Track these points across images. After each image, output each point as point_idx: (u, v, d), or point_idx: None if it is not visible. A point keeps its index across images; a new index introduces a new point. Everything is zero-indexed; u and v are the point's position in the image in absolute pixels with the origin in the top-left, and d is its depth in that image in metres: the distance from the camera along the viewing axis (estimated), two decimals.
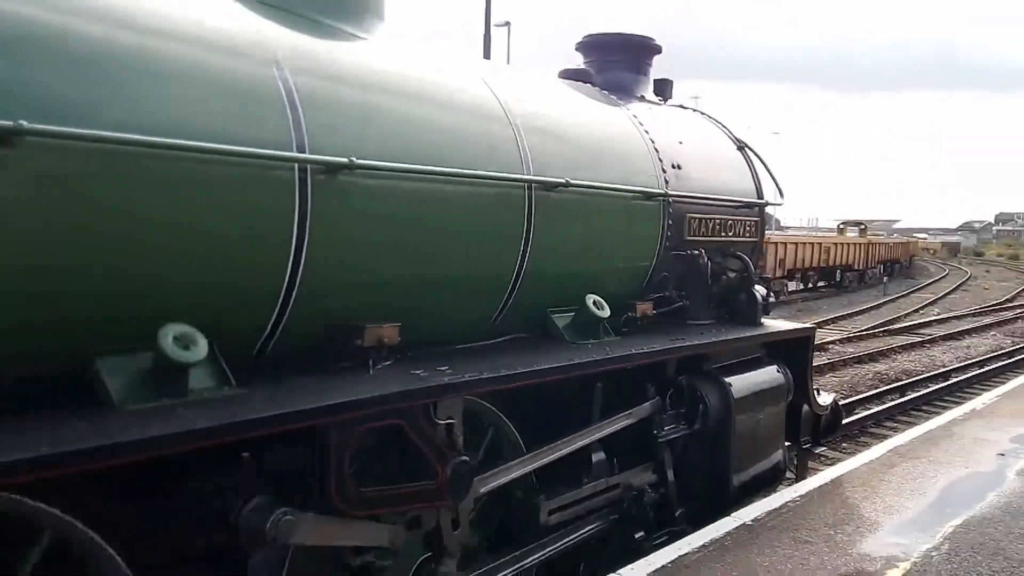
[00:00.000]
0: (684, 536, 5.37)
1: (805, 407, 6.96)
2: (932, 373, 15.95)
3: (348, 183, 3.73)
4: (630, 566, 4.80)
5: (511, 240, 4.67)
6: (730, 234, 6.45)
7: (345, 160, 3.65)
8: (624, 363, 4.92)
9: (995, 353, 18.97)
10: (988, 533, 5.59)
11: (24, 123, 2.65)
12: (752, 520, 5.60)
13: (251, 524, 3.28)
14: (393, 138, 4.02)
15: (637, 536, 5.43)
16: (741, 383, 5.87)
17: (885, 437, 9.92)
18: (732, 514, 5.66)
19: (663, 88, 7.02)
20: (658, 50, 6.82)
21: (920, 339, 20.48)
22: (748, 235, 6.70)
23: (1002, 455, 7.52)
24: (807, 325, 7.16)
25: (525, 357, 4.58)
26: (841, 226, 47.14)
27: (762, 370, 6.22)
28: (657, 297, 5.84)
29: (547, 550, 4.81)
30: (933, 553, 5.23)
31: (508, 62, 24.20)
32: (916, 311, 28.71)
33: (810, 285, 35.80)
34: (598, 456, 5.15)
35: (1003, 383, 12.91)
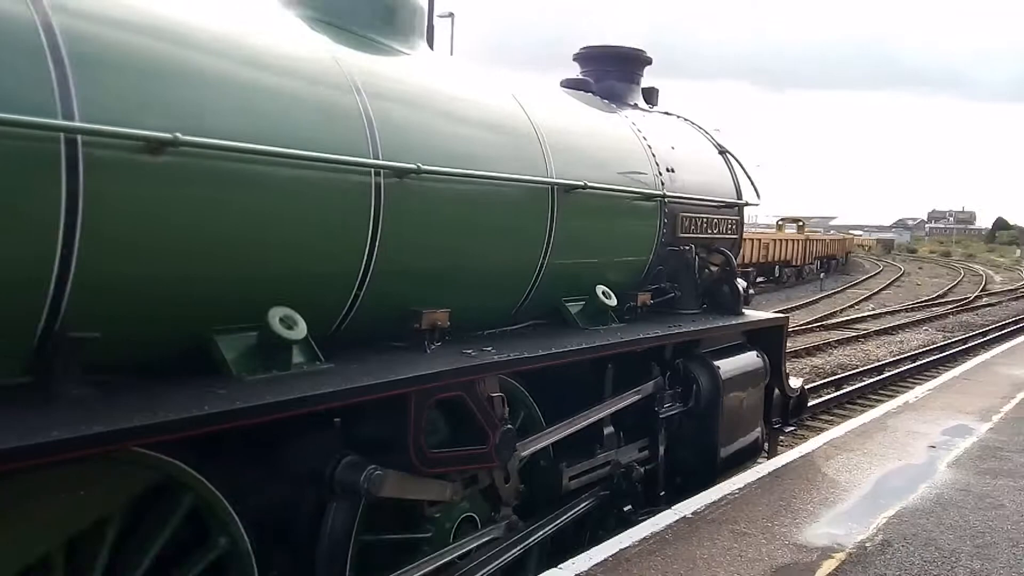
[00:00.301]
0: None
1: (776, 390, 7.63)
2: (867, 367, 16.40)
3: (413, 186, 4.24)
4: (571, 560, 4.84)
5: (537, 236, 5.22)
6: (715, 232, 7.09)
7: (413, 166, 4.17)
8: (635, 346, 5.53)
9: (927, 348, 19.54)
10: (920, 524, 5.74)
11: (179, 135, 3.13)
12: (692, 513, 5.69)
13: (345, 478, 3.79)
14: (442, 147, 4.54)
15: (626, 509, 5.99)
16: (728, 366, 6.53)
17: (821, 430, 10.07)
18: (672, 507, 5.78)
19: (650, 96, 7.62)
20: (649, 61, 7.42)
21: (855, 334, 21.19)
22: (730, 232, 7.36)
23: (933, 447, 7.75)
24: (781, 315, 7.81)
25: (547, 340, 5.14)
26: (780, 222, 48.40)
27: (744, 355, 6.88)
28: (653, 288, 6.45)
29: (565, 516, 5.40)
30: (867, 544, 5.34)
31: (452, 54, 23.97)
32: (851, 306, 29.69)
33: (749, 280, 36.69)
34: (608, 429, 5.74)
35: (935, 377, 13.26)
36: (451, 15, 28.44)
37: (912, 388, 12.09)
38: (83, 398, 3.04)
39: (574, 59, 7.37)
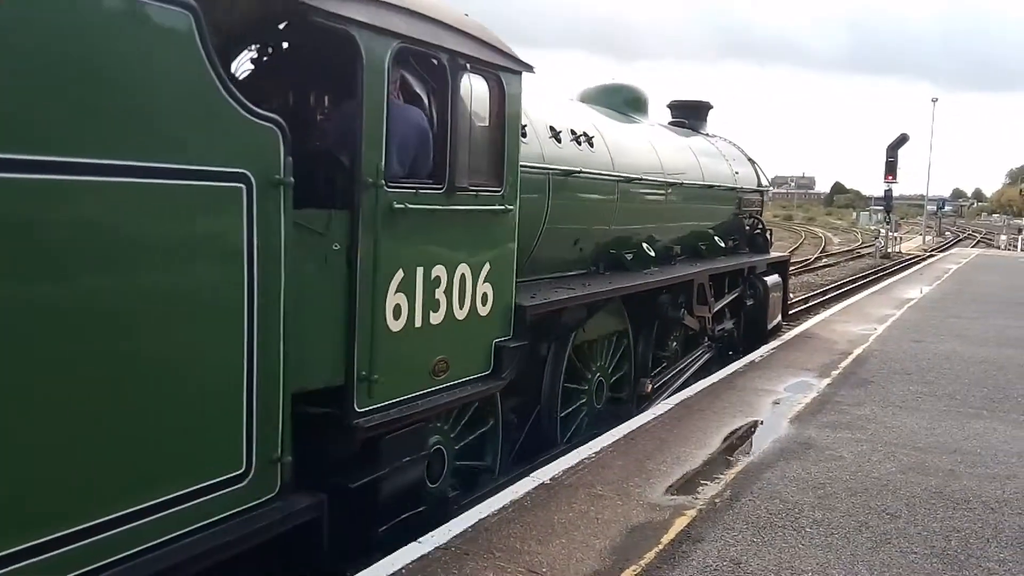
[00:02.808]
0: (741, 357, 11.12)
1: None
2: None
3: (673, 189, 9.36)
4: (430, 533, 4.86)
5: (696, 212, 10.44)
6: (753, 207, 12.49)
7: (679, 181, 9.32)
8: (745, 266, 10.94)
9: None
10: (766, 478, 5.89)
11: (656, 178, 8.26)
12: (550, 479, 5.78)
13: (676, 314, 9.00)
14: (679, 169, 9.69)
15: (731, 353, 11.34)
16: (769, 280, 12.00)
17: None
18: (531, 474, 5.94)
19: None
20: (712, 106, 12.65)
21: None
22: (757, 205, 12.77)
23: (777, 403, 8.19)
24: (788, 254, 13.32)
25: (707, 264, 10.31)
26: None
27: (773, 276, 12.36)
28: (731, 239, 11.76)
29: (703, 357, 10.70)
30: (717, 500, 5.47)
31: None
32: None
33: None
34: (726, 311, 11.08)
35: (778, 336, 13.31)
36: None
37: (757, 348, 11.88)
38: (607, 280, 8.09)
39: (667, 107, 12.55)
